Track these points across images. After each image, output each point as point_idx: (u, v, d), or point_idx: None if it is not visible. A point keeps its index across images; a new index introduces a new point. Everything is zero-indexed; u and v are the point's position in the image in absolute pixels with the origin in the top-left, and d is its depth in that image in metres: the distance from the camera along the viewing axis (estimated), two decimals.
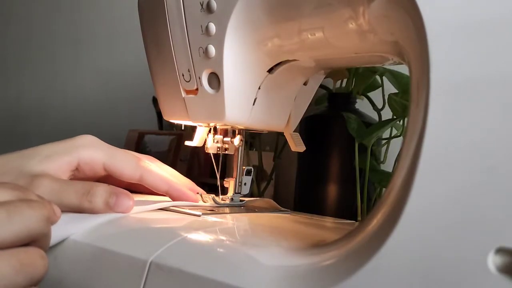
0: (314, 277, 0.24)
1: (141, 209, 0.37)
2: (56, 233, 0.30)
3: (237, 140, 0.44)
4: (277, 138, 0.64)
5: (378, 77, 0.55)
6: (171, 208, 0.39)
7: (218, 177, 0.45)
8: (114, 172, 0.38)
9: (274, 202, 0.47)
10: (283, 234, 0.35)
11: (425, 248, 0.21)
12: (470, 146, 0.22)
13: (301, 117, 0.48)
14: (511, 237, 0.20)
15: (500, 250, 0.20)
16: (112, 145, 0.40)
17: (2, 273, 0.23)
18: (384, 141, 0.56)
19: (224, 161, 0.51)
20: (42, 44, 1.21)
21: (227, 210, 0.43)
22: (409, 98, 0.40)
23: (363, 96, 0.58)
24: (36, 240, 0.26)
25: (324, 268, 0.25)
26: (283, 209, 0.47)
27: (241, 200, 0.46)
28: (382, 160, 0.56)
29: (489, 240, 0.20)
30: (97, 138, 0.39)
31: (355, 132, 0.52)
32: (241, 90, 0.40)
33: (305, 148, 0.47)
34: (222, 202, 0.44)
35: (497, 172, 0.21)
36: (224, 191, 0.46)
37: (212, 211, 0.41)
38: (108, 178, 0.40)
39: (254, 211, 0.44)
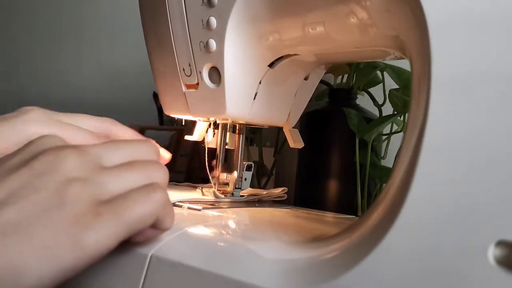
0: (314, 270, 0.24)
1: None
2: None
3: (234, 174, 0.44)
4: (278, 134, 0.64)
5: (379, 73, 0.55)
6: (172, 202, 0.39)
7: (207, 171, 0.45)
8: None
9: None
10: (283, 228, 0.35)
11: (425, 241, 0.21)
12: (471, 140, 0.22)
13: (301, 112, 0.48)
14: (511, 230, 0.20)
15: (500, 243, 0.20)
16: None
17: (135, 181, 0.25)
18: (384, 137, 0.56)
19: (225, 156, 0.51)
20: (43, 39, 1.21)
21: (227, 204, 0.43)
22: (410, 93, 0.40)
23: (364, 92, 0.58)
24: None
25: (324, 262, 0.25)
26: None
27: (241, 195, 0.46)
28: (382, 155, 0.56)
29: (489, 233, 0.20)
30: (44, 110, 0.33)
31: (355, 127, 0.52)
32: (241, 84, 0.40)
33: (303, 145, 0.47)
34: (223, 196, 0.44)
35: (497, 166, 0.21)
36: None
37: (212, 205, 0.41)
38: None
39: (255, 206, 0.45)
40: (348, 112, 0.52)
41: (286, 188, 0.48)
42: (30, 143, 0.26)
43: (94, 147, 0.26)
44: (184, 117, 0.45)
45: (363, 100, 0.58)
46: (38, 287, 0.21)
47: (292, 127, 0.47)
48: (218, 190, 0.44)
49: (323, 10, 0.35)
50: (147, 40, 0.44)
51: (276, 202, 0.50)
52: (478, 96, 0.22)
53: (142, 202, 0.24)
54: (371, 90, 0.57)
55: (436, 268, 0.21)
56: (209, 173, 0.45)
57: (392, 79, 0.52)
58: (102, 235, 0.23)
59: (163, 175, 0.27)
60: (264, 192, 0.47)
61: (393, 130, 0.56)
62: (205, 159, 0.45)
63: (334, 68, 0.56)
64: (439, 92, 0.23)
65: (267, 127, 0.48)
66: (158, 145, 0.30)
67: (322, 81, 0.51)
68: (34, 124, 0.31)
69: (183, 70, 0.41)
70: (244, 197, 0.46)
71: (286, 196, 0.48)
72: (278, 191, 0.48)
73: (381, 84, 0.56)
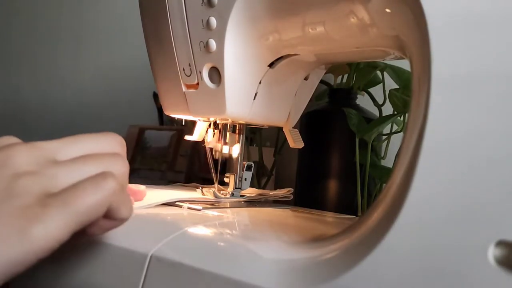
0: (313, 270, 0.24)
1: (142, 205, 0.37)
2: None
3: (236, 150, 0.44)
4: (278, 134, 0.64)
5: (379, 73, 0.55)
6: (172, 202, 0.39)
7: (213, 172, 0.45)
8: None
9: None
10: (283, 228, 0.35)
11: (425, 241, 0.21)
12: (471, 140, 0.22)
13: (301, 112, 0.48)
14: (511, 230, 0.20)
15: (500, 243, 0.20)
16: None
17: (89, 172, 0.25)
18: (384, 137, 0.56)
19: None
20: (43, 39, 1.21)
21: (227, 204, 0.43)
22: (410, 93, 0.40)
23: (364, 92, 0.58)
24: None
25: (324, 262, 0.25)
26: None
27: (241, 195, 0.46)
28: (382, 155, 0.56)
29: (489, 233, 0.20)
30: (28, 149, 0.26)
31: (355, 127, 0.52)
32: (241, 84, 0.40)
33: (303, 145, 0.47)
34: (223, 196, 0.44)
35: (497, 166, 0.21)
36: (223, 185, 0.46)
37: (212, 205, 0.41)
38: None
39: (254, 206, 0.45)
40: (348, 112, 0.52)
41: (292, 189, 0.48)
42: None
43: (49, 143, 0.26)
44: (184, 117, 0.45)
45: (363, 100, 0.58)
46: None
47: (292, 127, 0.47)
48: (218, 190, 0.44)
49: (323, 10, 0.35)
50: (147, 40, 0.44)
51: (276, 202, 0.50)
52: (478, 96, 0.22)
53: (92, 191, 0.24)
54: (371, 90, 0.57)
55: (436, 268, 0.21)
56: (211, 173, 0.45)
57: (392, 79, 0.52)
58: (50, 227, 0.22)
59: (121, 166, 0.26)
60: (271, 192, 0.47)
61: (393, 130, 0.56)
62: (205, 159, 0.45)
63: (334, 68, 0.56)
64: (439, 92, 0.23)
65: (267, 127, 0.48)
66: (123, 140, 0.29)
67: (322, 81, 0.51)
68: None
69: (183, 70, 0.41)
70: (245, 197, 0.46)
71: (292, 197, 0.49)
72: (284, 191, 0.48)
73: (381, 84, 0.56)
